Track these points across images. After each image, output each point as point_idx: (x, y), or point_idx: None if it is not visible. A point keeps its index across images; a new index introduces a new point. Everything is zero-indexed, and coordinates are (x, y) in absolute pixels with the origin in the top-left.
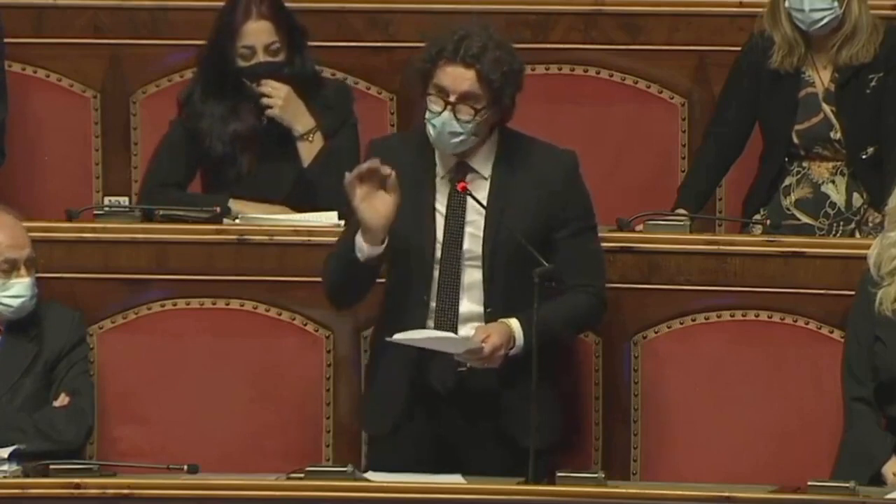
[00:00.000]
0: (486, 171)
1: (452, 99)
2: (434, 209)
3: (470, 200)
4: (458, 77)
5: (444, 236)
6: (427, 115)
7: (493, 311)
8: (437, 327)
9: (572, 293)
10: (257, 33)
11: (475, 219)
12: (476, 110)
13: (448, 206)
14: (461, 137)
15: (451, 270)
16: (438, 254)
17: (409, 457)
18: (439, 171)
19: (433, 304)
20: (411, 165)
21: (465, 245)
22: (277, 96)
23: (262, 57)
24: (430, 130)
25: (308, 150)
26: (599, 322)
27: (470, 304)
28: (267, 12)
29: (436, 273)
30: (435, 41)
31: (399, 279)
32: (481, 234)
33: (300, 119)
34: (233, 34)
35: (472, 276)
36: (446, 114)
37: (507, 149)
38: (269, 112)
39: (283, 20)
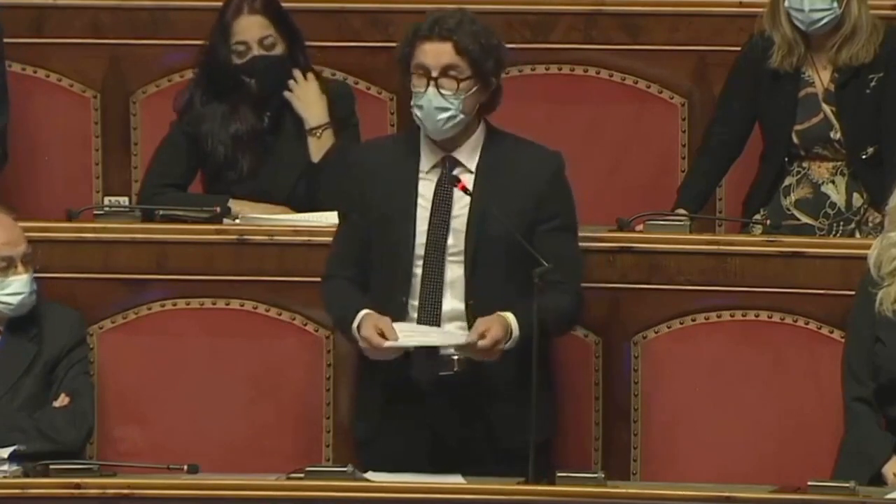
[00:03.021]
0: (472, 164)
1: (434, 74)
2: (416, 207)
3: (456, 195)
4: (436, 52)
5: (429, 232)
6: (413, 100)
7: (475, 305)
8: (419, 324)
9: (551, 292)
10: (249, 28)
11: (459, 214)
12: (458, 81)
13: (433, 202)
14: (449, 113)
15: (434, 266)
16: (421, 251)
17: (398, 455)
18: (424, 166)
19: (415, 302)
20: (394, 164)
21: (450, 240)
22: (298, 87)
23: (256, 51)
24: (418, 113)
25: (316, 146)
26: (574, 323)
27: (453, 300)
28: (259, 7)
29: (418, 270)
30: (410, 27)
31: (382, 278)
32: (464, 229)
33: (314, 112)
34: (226, 33)
35: (456, 272)
36: (430, 90)
37: (493, 144)
38: (286, 94)
39: (278, 16)
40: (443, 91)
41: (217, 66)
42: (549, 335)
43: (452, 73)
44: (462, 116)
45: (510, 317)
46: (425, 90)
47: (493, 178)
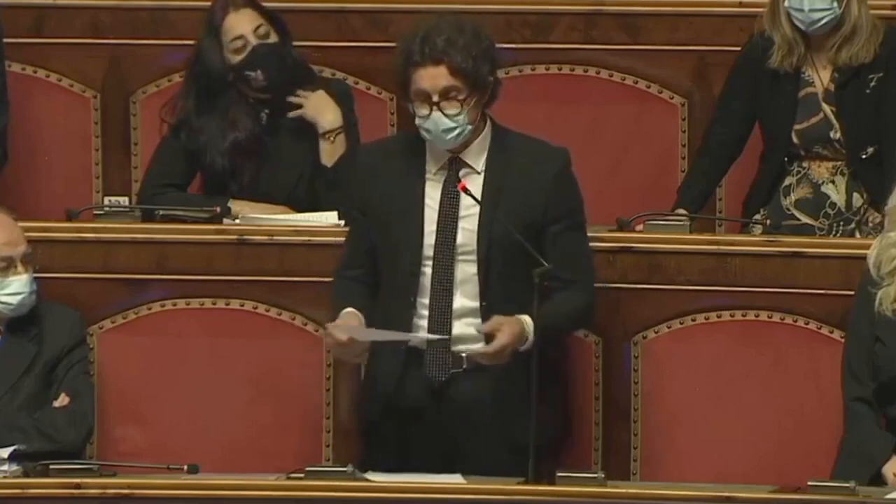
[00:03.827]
0: (479, 165)
1: (435, 99)
2: (424, 207)
3: (463, 195)
4: (432, 77)
5: (437, 232)
6: (417, 120)
7: (489, 305)
8: (430, 324)
9: (567, 290)
10: (241, 22)
11: (468, 213)
12: (461, 101)
13: (441, 202)
14: (457, 131)
15: (444, 266)
16: (431, 251)
17: (403, 453)
18: (430, 167)
19: (426, 301)
20: (401, 165)
21: (459, 240)
22: (307, 98)
23: (254, 42)
24: (426, 135)
25: (328, 150)
26: (591, 321)
27: (464, 299)
28: (242, 2)
29: (428, 270)
30: (399, 49)
31: (391, 278)
32: (475, 229)
33: (326, 116)
34: (217, 35)
35: (466, 271)
36: (435, 114)
37: (499, 143)
38: (299, 112)
39: (264, 9)
40: (447, 113)
41: (211, 72)
42: (567, 333)
43: (452, 94)
44: (469, 127)
45: (526, 320)
46: (429, 114)
47: (501, 177)
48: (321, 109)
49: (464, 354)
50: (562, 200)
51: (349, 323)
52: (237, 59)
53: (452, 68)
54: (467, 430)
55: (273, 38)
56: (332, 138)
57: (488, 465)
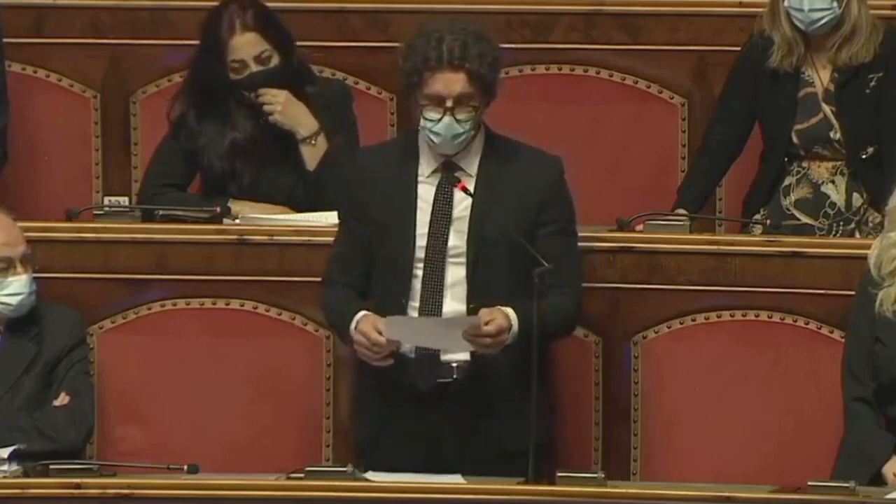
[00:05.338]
0: (472, 168)
1: (449, 104)
2: (416, 210)
3: (456, 198)
4: (449, 82)
5: (429, 234)
6: (424, 123)
7: (476, 308)
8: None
9: (552, 295)
10: (245, 46)
11: (460, 216)
12: (474, 108)
13: (434, 204)
14: (464, 136)
15: (435, 268)
16: (422, 253)
17: (398, 458)
18: (424, 170)
19: (415, 303)
20: (395, 168)
21: (451, 242)
22: (277, 102)
23: (254, 68)
24: (433, 138)
25: (311, 154)
26: (574, 327)
27: (453, 302)
28: (252, 23)
29: (419, 272)
30: (412, 50)
31: (382, 281)
32: (466, 231)
33: (303, 122)
34: (221, 50)
35: (456, 274)
36: (446, 119)
37: (493, 149)
38: (271, 119)
39: (270, 27)
40: (458, 118)
41: (212, 82)
42: (549, 337)
43: (466, 100)
44: (474, 132)
45: (510, 311)
46: (441, 118)
47: (494, 182)
48: (296, 117)
49: (454, 364)
50: (554, 208)
51: (378, 323)
52: (234, 77)
53: (471, 75)
54: (456, 437)
55: (275, 61)
56: (312, 142)
57: (478, 472)
